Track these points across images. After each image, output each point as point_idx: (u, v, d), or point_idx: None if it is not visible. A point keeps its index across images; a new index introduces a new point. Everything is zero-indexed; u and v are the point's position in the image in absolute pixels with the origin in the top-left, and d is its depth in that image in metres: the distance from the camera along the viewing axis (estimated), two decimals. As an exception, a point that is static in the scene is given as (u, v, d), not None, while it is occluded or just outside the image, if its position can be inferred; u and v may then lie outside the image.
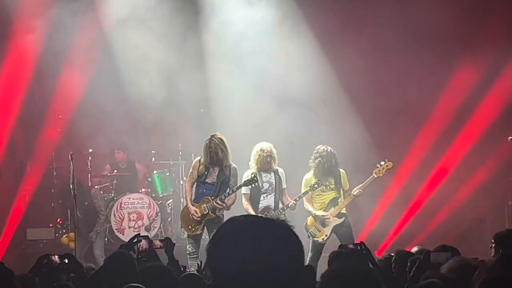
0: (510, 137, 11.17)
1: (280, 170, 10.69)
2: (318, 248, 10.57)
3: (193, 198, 10.46)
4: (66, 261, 5.56)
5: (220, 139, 10.31)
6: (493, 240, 7.38)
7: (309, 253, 10.56)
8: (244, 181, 10.37)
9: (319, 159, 10.62)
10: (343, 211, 10.70)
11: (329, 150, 10.67)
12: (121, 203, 12.80)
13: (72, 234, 11.82)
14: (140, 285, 4.75)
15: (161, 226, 13.09)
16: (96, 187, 12.62)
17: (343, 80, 13.54)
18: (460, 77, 13.09)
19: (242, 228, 2.21)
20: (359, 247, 6.17)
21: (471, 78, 12.95)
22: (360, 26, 13.20)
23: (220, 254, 2.18)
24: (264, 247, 2.16)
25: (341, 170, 10.78)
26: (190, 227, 10.40)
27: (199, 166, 10.42)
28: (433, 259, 5.50)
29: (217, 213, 10.27)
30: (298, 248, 2.22)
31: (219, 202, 10.20)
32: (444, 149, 13.39)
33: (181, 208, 12.66)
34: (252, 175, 10.42)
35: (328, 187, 10.66)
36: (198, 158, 10.57)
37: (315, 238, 10.61)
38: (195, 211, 10.29)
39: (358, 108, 13.53)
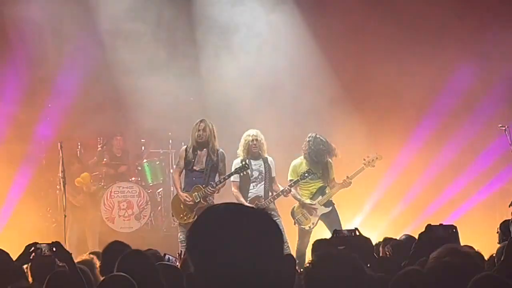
0: (500, 124, 11.16)
1: (270, 159, 10.68)
2: (305, 235, 10.60)
3: (182, 187, 10.47)
4: (54, 249, 5.53)
5: (209, 122, 10.43)
6: (498, 229, 7.51)
7: (298, 240, 10.63)
8: (236, 169, 10.39)
9: (311, 146, 10.65)
10: (331, 199, 10.76)
11: (317, 137, 10.72)
12: (111, 192, 12.78)
13: (86, 175, 11.87)
14: (123, 274, 4.73)
15: (151, 214, 13.08)
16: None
17: (328, 61, 13.52)
18: (444, 62, 13.04)
19: (221, 216, 2.21)
20: (353, 233, 6.14)
21: (454, 63, 12.91)
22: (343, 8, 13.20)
23: (200, 242, 2.18)
24: (243, 235, 2.15)
25: (328, 159, 10.80)
26: (181, 215, 10.44)
27: (185, 154, 10.45)
28: (435, 233, 5.41)
29: (208, 200, 10.30)
30: (278, 237, 2.22)
31: (211, 189, 10.24)
32: (425, 133, 13.31)
33: (171, 197, 12.66)
34: (243, 163, 10.42)
35: (316, 175, 10.69)
36: (185, 146, 10.64)
37: (301, 226, 10.65)
38: (187, 196, 10.31)
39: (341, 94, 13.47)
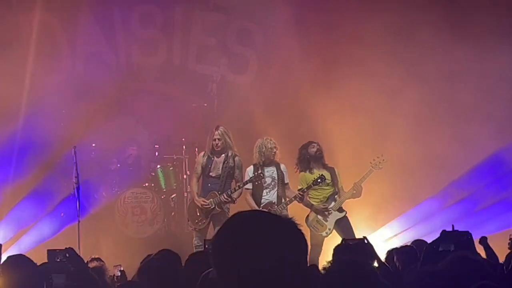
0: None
1: (282, 166, 10.73)
2: (319, 242, 10.61)
3: (199, 193, 10.59)
4: (67, 255, 5.57)
5: (226, 129, 10.55)
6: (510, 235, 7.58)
7: (310, 247, 10.61)
8: (250, 178, 10.45)
9: (315, 152, 10.75)
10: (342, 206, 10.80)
11: (312, 144, 10.83)
12: (124, 197, 12.82)
13: None
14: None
15: (164, 220, 13.09)
16: None
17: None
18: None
19: (248, 224, 2.22)
20: (362, 241, 6.15)
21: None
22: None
23: (226, 250, 2.19)
24: (270, 244, 2.16)
25: (334, 168, 10.87)
26: (196, 221, 10.57)
27: (202, 160, 10.54)
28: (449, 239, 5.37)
29: (223, 207, 10.40)
30: (304, 246, 2.23)
31: (226, 197, 10.31)
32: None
33: (184, 202, 12.73)
34: (259, 172, 10.47)
35: (325, 181, 10.72)
36: (202, 153, 10.74)
37: (318, 232, 10.65)
38: (204, 201, 10.39)
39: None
